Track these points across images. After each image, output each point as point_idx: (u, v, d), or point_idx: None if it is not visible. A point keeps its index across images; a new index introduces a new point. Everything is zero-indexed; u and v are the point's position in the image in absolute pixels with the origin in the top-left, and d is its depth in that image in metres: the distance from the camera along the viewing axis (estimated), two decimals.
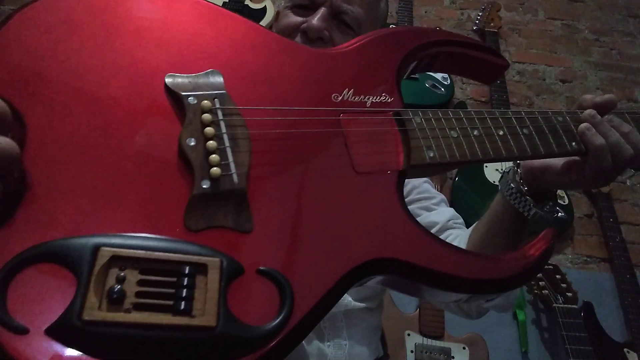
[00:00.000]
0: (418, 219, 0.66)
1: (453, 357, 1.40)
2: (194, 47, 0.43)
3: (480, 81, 0.64)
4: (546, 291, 1.49)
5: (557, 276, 1.52)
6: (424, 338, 1.43)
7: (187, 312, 0.31)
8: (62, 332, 0.29)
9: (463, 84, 2.17)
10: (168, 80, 0.40)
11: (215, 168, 0.37)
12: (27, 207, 0.32)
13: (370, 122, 0.47)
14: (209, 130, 0.38)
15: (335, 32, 0.72)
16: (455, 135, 0.49)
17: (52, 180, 0.33)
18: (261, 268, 0.35)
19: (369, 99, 0.48)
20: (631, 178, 1.85)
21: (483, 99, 2.11)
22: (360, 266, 0.39)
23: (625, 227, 1.77)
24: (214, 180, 0.36)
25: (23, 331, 0.29)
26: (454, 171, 1.85)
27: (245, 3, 2.25)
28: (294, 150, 0.43)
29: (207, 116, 0.39)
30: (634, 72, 2.24)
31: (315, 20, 0.69)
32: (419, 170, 0.48)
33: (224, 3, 2.24)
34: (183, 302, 0.31)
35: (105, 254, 0.31)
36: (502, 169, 1.81)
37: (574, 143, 0.53)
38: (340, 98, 0.47)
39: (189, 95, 0.39)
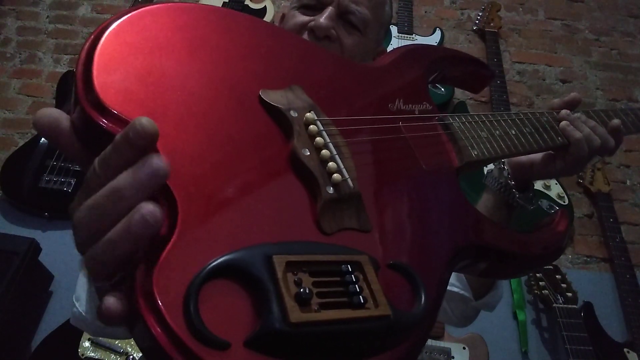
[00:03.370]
0: None
1: (453, 357, 1.40)
2: (270, 62, 0.45)
3: (470, 91, 0.73)
4: (546, 291, 1.49)
5: (557, 276, 1.52)
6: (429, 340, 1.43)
7: (363, 305, 0.33)
8: (267, 340, 0.29)
9: None
10: (263, 95, 0.41)
11: (336, 174, 0.39)
12: (190, 226, 0.31)
13: (422, 128, 0.53)
14: (319, 140, 0.41)
15: (341, 32, 0.73)
16: (485, 136, 0.57)
17: (202, 198, 0.33)
18: (391, 262, 0.39)
19: (416, 107, 0.55)
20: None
21: (483, 99, 2.11)
22: (456, 252, 0.45)
23: (625, 227, 1.77)
24: (336, 186, 0.39)
25: (226, 346, 0.28)
26: None
27: (245, 3, 2.25)
28: (375, 154, 0.47)
29: (313, 127, 0.41)
30: (634, 72, 2.24)
31: (323, 19, 0.70)
32: (468, 167, 0.55)
33: (224, 3, 2.24)
34: (357, 297, 0.33)
35: (280, 260, 0.32)
36: None
37: (559, 138, 0.64)
38: (395, 107, 0.53)
39: (290, 109, 0.41)
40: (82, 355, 1.33)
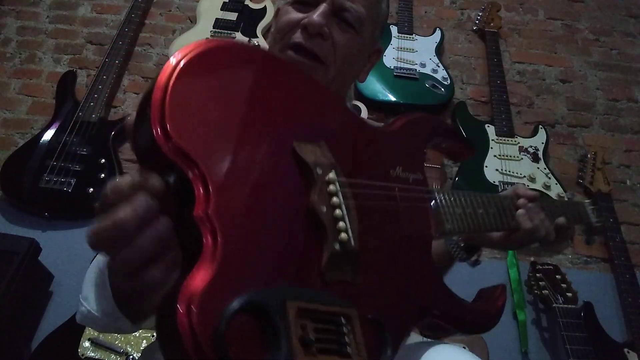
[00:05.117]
0: None
1: None
2: (304, 115, 0.50)
3: (451, 159, 0.80)
4: (546, 291, 1.49)
5: (557, 276, 1.52)
6: (424, 338, 1.43)
7: (350, 355, 0.38)
8: None
9: (463, 84, 2.17)
10: (297, 149, 0.45)
11: (343, 233, 0.45)
12: (229, 260, 0.35)
13: (412, 197, 0.59)
14: (336, 200, 0.46)
15: (335, 30, 0.72)
16: (459, 212, 0.65)
17: (238, 236, 0.37)
18: (369, 316, 0.44)
19: (410, 176, 0.61)
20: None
21: (483, 99, 2.11)
22: (420, 311, 0.53)
23: (625, 227, 1.77)
24: (342, 243, 0.44)
25: None
26: (454, 171, 1.85)
27: (245, 3, 2.25)
28: (371, 216, 0.51)
29: (332, 188, 0.46)
30: (634, 72, 2.24)
31: (316, 15, 0.69)
32: (441, 237, 0.64)
33: (224, 3, 2.24)
34: (346, 348, 0.38)
35: (292, 306, 0.36)
36: (502, 169, 1.81)
37: (514, 222, 0.75)
38: (395, 174, 0.58)
39: (316, 166, 0.46)
40: (82, 355, 1.33)
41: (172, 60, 0.39)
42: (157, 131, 0.35)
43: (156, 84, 0.37)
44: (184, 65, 0.39)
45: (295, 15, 0.72)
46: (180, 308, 0.32)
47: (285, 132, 0.46)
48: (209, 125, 0.39)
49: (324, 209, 0.44)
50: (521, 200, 0.77)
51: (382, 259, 0.51)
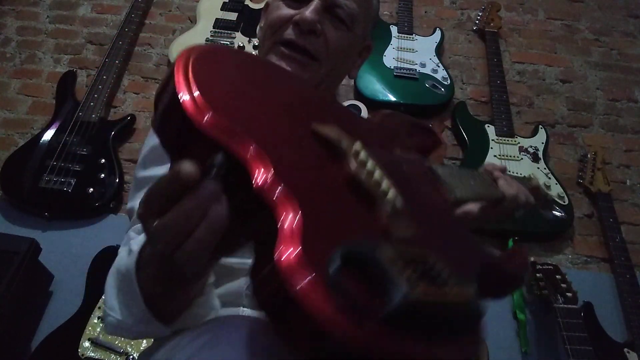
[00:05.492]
0: None
1: None
2: (302, 104, 0.52)
3: (422, 154, 0.85)
4: (546, 291, 1.49)
5: (557, 276, 1.52)
6: None
7: (454, 284, 0.37)
8: (396, 313, 0.31)
9: (463, 84, 2.17)
10: (317, 128, 0.46)
11: (390, 194, 0.45)
12: (309, 221, 0.34)
13: (420, 170, 0.62)
14: (370, 166, 0.46)
15: (327, 26, 0.71)
16: (459, 182, 0.67)
17: (305, 198, 0.36)
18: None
19: (409, 155, 0.63)
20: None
21: (483, 99, 2.11)
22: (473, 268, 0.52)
23: (625, 227, 1.77)
24: (391, 203, 0.44)
25: (363, 321, 0.31)
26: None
27: (245, 3, 2.25)
28: (399, 183, 0.50)
29: (362, 156, 0.46)
30: (634, 72, 2.24)
31: (309, 12, 0.69)
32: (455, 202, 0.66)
33: (224, 3, 2.24)
34: (447, 278, 0.37)
35: (386, 251, 0.35)
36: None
37: (498, 191, 0.78)
38: (397, 152, 0.61)
39: (341, 140, 0.46)
40: (82, 355, 1.33)
41: (179, 54, 0.40)
42: (194, 111, 0.35)
43: (176, 72, 0.37)
44: (195, 51, 0.39)
45: (286, 11, 0.72)
46: (297, 285, 0.30)
47: (300, 116, 0.46)
48: (241, 102, 0.39)
49: (363, 175, 0.44)
50: (497, 172, 0.80)
51: (425, 219, 0.51)
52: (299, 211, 0.33)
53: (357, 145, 0.46)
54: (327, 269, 0.31)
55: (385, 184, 0.44)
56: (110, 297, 0.58)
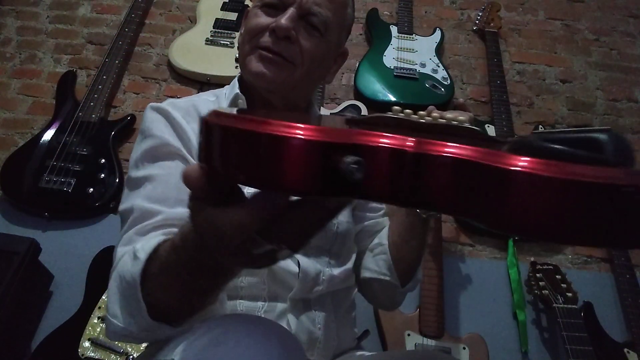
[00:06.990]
0: (371, 221, 0.94)
1: None
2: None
3: None
4: (546, 291, 1.49)
5: (557, 276, 1.52)
6: (424, 338, 1.43)
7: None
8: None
9: (463, 84, 2.17)
10: None
11: None
12: None
13: None
14: None
15: (302, 33, 0.75)
16: None
17: None
18: None
19: None
20: None
21: (483, 99, 2.11)
22: None
23: None
24: None
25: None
26: None
27: (245, 3, 2.25)
28: None
29: None
30: (634, 72, 2.24)
31: (284, 20, 0.72)
32: None
33: (224, 3, 2.24)
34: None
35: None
36: None
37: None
38: None
39: None
40: (82, 355, 1.33)
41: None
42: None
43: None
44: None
45: (264, 19, 0.76)
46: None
47: None
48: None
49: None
50: (434, 114, 0.82)
51: None
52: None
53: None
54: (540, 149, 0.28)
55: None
56: (113, 304, 0.57)
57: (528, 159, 0.26)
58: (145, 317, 0.52)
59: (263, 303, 0.74)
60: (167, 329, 0.54)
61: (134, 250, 0.55)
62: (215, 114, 0.34)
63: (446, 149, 0.29)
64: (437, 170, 0.29)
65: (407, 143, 0.30)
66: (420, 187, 0.30)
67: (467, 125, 0.40)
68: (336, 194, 0.31)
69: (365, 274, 0.90)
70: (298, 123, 0.30)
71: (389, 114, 0.41)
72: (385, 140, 0.31)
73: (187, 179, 0.35)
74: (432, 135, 0.34)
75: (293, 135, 0.29)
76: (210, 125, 0.33)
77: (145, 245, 0.54)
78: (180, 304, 0.51)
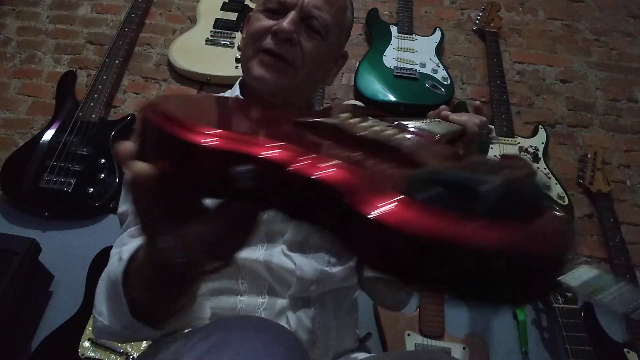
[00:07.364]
0: None
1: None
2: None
3: None
4: None
5: None
6: (424, 338, 1.43)
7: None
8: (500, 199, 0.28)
9: (463, 84, 2.17)
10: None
11: None
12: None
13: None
14: None
15: (303, 36, 0.77)
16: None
17: None
18: None
19: None
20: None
21: (483, 99, 2.11)
22: None
23: (625, 227, 1.77)
24: None
25: None
26: None
27: (245, 3, 2.25)
28: None
29: None
30: (634, 72, 2.24)
31: (286, 23, 0.75)
32: None
33: (224, 3, 2.24)
34: None
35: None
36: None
37: (454, 126, 0.74)
38: None
39: None
40: (82, 355, 1.33)
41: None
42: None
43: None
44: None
45: (266, 22, 0.78)
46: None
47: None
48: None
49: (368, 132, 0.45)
50: (443, 112, 0.79)
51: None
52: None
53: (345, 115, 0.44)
54: (415, 194, 0.27)
55: (388, 131, 0.42)
56: (100, 302, 0.60)
57: (386, 207, 0.26)
58: (126, 314, 0.53)
59: (263, 300, 0.75)
60: (148, 329, 0.54)
61: (121, 251, 0.58)
62: (149, 103, 0.37)
63: (316, 172, 0.29)
64: (306, 191, 0.30)
65: (291, 157, 0.30)
66: (304, 205, 0.30)
67: (402, 145, 0.39)
68: (239, 199, 0.33)
69: (369, 273, 0.90)
70: (211, 127, 0.32)
71: (329, 121, 0.41)
72: (273, 152, 0.30)
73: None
74: (358, 148, 0.35)
75: (192, 141, 0.32)
76: (140, 113, 0.38)
77: (130, 246, 0.57)
78: (155, 304, 0.52)
